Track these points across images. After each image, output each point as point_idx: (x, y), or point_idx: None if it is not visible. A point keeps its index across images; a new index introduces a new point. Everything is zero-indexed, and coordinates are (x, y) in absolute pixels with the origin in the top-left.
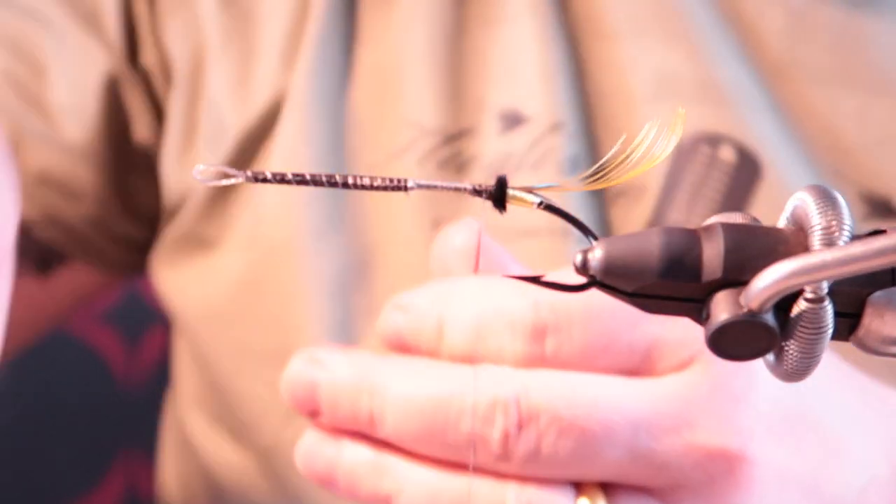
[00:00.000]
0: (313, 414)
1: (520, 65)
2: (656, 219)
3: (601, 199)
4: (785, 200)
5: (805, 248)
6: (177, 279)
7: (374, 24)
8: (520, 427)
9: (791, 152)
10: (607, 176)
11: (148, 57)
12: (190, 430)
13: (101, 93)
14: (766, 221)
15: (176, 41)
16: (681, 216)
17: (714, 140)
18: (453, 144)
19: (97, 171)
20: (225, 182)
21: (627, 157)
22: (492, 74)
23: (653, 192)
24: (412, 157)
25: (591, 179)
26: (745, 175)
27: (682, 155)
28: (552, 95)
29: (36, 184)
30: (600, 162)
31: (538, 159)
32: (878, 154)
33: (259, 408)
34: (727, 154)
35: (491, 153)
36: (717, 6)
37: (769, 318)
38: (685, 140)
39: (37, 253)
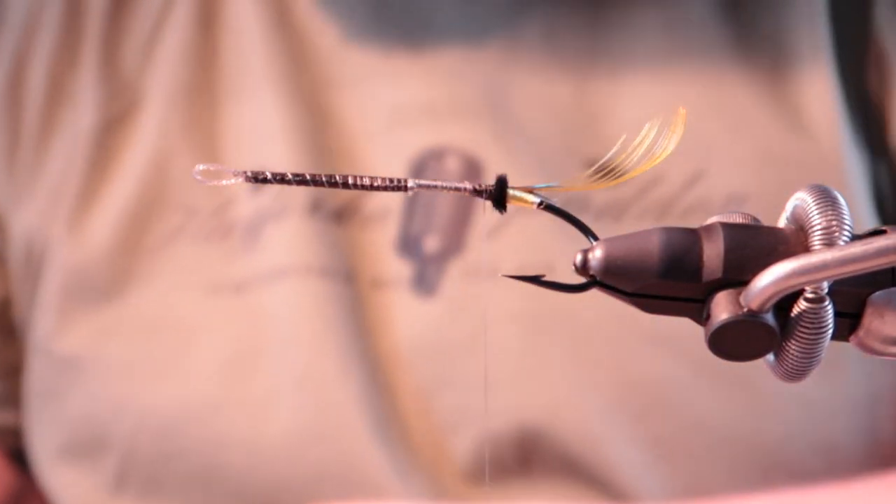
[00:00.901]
0: None
1: (265, 127)
2: (404, 237)
3: (349, 224)
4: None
5: (805, 247)
6: None
7: (131, 121)
8: None
9: (514, 145)
10: (609, 175)
11: None
12: None
13: None
14: (489, 210)
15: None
16: (423, 230)
17: (438, 154)
18: (218, 216)
19: None
20: (225, 182)
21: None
22: (243, 142)
23: (395, 211)
24: (185, 236)
25: (593, 179)
26: (472, 180)
27: (413, 173)
28: (293, 148)
29: None
30: (601, 161)
31: (282, 208)
32: (594, 126)
33: None
34: (452, 164)
35: (247, 213)
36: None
37: (769, 318)
38: (414, 160)
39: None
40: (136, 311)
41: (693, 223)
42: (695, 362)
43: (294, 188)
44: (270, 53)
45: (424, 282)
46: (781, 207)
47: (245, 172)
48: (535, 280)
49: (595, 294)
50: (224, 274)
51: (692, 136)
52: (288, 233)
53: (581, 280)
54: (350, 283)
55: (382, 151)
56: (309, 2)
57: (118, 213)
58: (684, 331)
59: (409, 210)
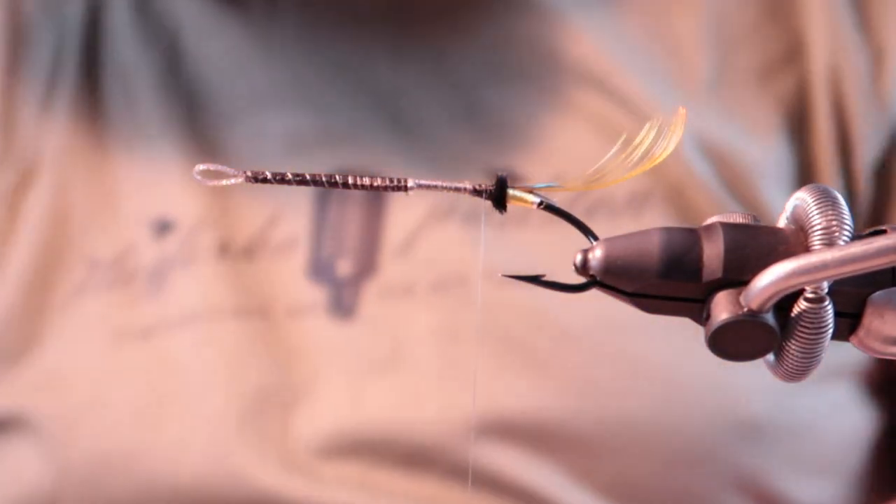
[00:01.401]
0: None
1: (162, 173)
2: (315, 264)
3: (259, 257)
4: (409, 221)
5: (805, 247)
6: None
7: (28, 184)
8: None
9: (408, 164)
10: (607, 176)
11: None
12: None
13: None
14: (397, 228)
15: None
16: (334, 253)
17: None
18: (119, 264)
19: None
20: (224, 182)
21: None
22: (142, 191)
23: (304, 239)
24: (88, 289)
25: (592, 179)
26: (376, 200)
27: (319, 200)
28: (192, 192)
29: None
30: (601, 162)
31: (189, 255)
32: (492, 133)
33: None
34: None
35: (150, 260)
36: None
37: (769, 318)
38: (319, 189)
39: None
40: (47, 368)
41: (599, 219)
42: (613, 361)
43: (201, 234)
44: (161, 98)
45: (341, 305)
46: (678, 207)
47: (245, 172)
48: (535, 280)
49: (509, 300)
50: (129, 321)
51: None
52: (196, 278)
53: (581, 280)
54: (264, 317)
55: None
56: (196, 41)
57: (22, 276)
58: (600, 329)
59: (318, 235)
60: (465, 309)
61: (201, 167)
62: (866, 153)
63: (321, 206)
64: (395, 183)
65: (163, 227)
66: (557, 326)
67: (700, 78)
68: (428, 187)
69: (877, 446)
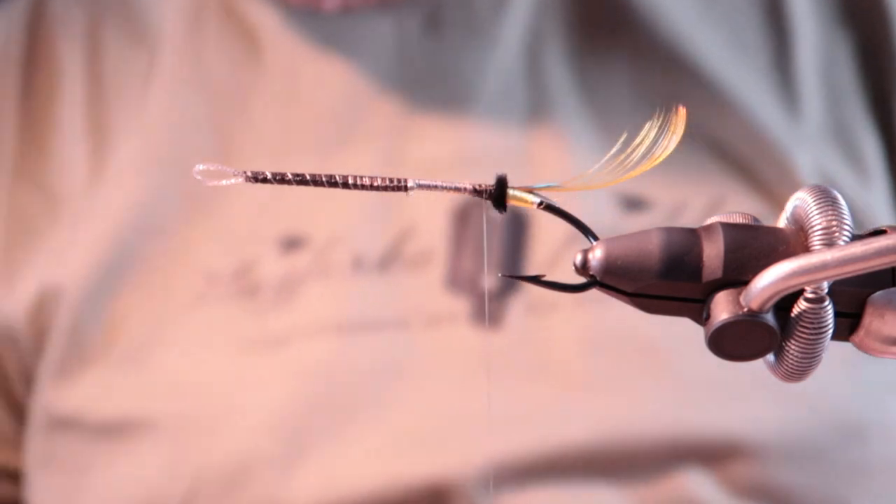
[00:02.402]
0: None
1: (292, 195)
2: (454, 277)
3: (393, 270)
4: (552, 240)
5: (805, 248)
6: None
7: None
8: None
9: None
10: (609, 174)
11: None
12: None
13: None
14: (541, 261)
15: None
16: (472, 269)
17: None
18: (241, 277)
19: None
20: (225, 182)
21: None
22: (267, 209)
23: (439, 252)
24: (210, 301)
25: (593, 179)
26: (517, 225)
27: (459, 219)
28: (325, 213)
29: None
30: (601, 161)
31: (323, 269)
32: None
33: None
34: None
35: (275, 273)
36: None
37: (769, 318)
38: (455, 208)
39: None
40: (170, 374)
41: None
42: (727, 368)
43: (333, 249)
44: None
45: (485, 315)
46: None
47: (245, 172)
48: (535, 280)
49: (612, 309)
50: (258, 331)
51: None
52: (331, 292)
53: (581, 280)
54: (404, 329)
55: (419, 201)
56: (330, 59)
57: (141, 281)
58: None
59: (458, 250)
60: (609, 322)
61: (201, 167)
62: None
63: (460, 223)
64: (396, 183)
65: (291, 243)
66: (651, 340)
67: (814, 117)
68: (428, 187)
69: None
